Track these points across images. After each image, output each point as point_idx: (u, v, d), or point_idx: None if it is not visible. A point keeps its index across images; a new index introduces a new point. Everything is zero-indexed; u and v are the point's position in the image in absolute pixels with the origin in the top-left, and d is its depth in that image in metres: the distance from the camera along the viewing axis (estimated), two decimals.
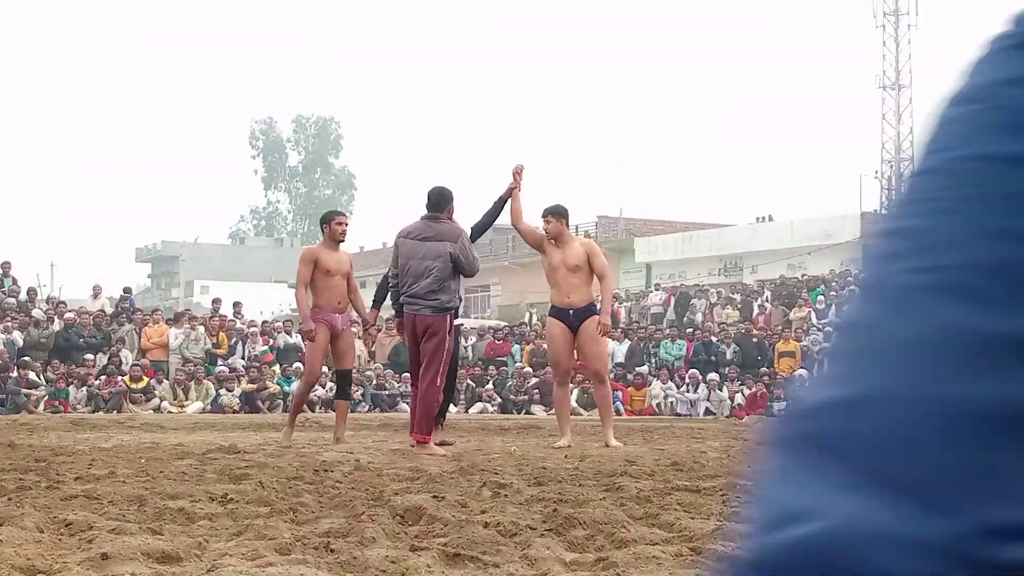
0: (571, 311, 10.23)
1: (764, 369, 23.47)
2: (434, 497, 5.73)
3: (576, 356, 10.56)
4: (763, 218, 45.91)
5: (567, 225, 10.56)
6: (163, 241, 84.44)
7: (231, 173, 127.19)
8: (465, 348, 25.69)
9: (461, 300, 9.61)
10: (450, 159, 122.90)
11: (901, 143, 59.97)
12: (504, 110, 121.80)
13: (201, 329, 22.81)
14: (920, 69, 66.94)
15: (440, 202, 9.47)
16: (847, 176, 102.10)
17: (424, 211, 9.59)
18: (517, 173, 10.43)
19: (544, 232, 10.37)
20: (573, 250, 10.29)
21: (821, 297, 27.77)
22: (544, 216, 10.42)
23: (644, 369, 23.65)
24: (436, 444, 9.57)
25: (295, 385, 21.73)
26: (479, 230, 10.60)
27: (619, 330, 26.12)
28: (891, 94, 59.95)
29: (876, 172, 55.10)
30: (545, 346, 24.96)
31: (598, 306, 10.46)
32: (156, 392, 21.05)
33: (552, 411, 16.61)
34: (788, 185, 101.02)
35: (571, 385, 22.91)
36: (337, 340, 10.50)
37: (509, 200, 10.49)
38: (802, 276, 34.14)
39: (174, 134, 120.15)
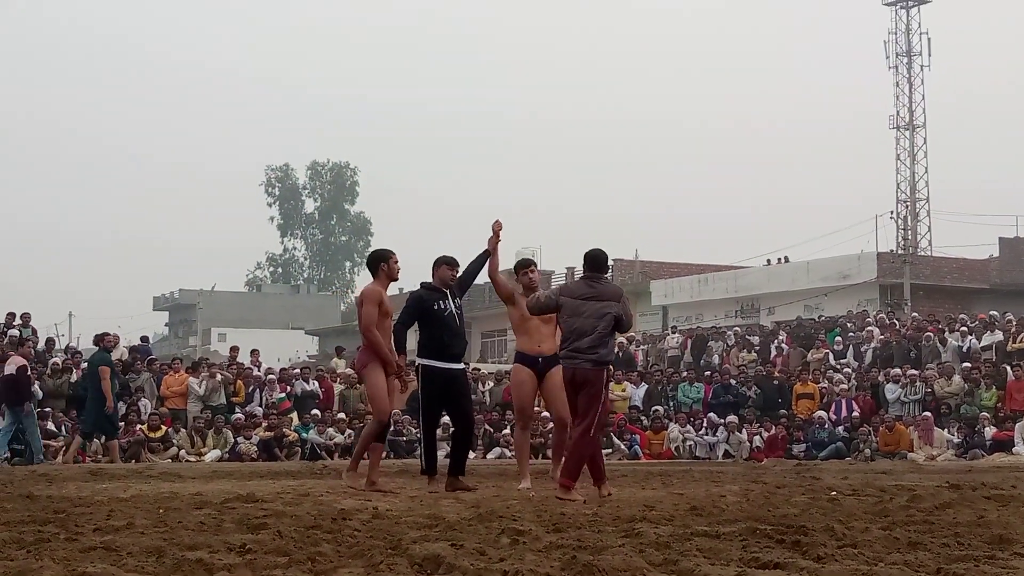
0: (540, 358, 10.85)
1: (783, 411, 23.35)
2: (452, 545, 5.72)
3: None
4: (779, 259, 45.85)
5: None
6: (180, 289, 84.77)
7: (247, 220, 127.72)
8: (482, 393, 25.66)
9: (616, 355, 10.25)
10: (466, 204, 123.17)
11: (916, 183, 59.95)
12: (519, 154, 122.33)
13: (219, 377, 22.82)
14: (933, 110, 66.94)
15: (600, 264, 9.77)
16: (863, 216, 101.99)
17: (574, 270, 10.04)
18: (497, 229, 10.94)
19: (527, 282, 11.02)
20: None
21: (839, 338, 27.67)
22: (527, 268, 11.15)
23: (662, 412, 23.56)
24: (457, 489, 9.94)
25: (312, 433, 21.74)
26: (464, 283, 10.94)
27: (636, 373, 26.08)
28: (905, 135, 59.96)
29: (892, 212, 54.97)
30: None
31: None
32: (174, 441, 21.05)
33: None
34: (803, 226, 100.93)
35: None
36: (391, 379, 10.47)
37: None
38: (819, 317, 34.04)
39: (190, 182, 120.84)
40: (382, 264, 10.40)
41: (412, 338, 10.64)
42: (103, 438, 19.49)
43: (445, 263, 10.90)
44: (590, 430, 9.52)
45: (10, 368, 19.03)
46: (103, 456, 19.35)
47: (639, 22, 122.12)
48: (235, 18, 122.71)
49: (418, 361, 10.68)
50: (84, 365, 22.47)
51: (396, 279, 10.52)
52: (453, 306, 10.74)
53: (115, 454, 19.08)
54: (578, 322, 9.48)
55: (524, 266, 11.13)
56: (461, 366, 10.93)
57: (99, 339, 20.02)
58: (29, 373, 19.55)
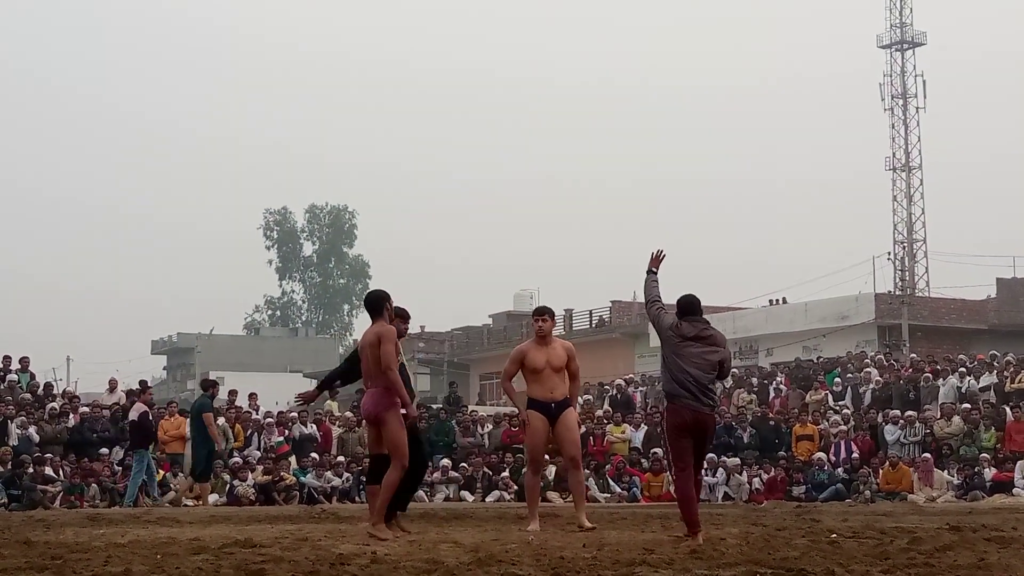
0: (553, 404, 11.03)
1: (782, 453, 23.30)
2: None
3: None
4: (777, 300, 45.85)
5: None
6: (178, 333, 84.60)
7: (246, 264, 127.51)
8: (481, 436, 25.62)
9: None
10: (463, 247, 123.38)
11: (913, 224, 60.14)
12: (517, 196, 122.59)
13: (220, 421, 22.76)
14: (930, 151, 67.10)
15: (696, 308, 9.83)
16: (860, 258, 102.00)
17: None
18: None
19: (541, 328, 11.09)
20: (557, 353, 11.06)
21: (837, 379, 27.64)
22: (543, 315, 11.19)
23: (661, 454, 23.49)
24: (394, 531, 10.09)
25: (310, 476, 21.67)
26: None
27: (635, 415, 26.05)
28: (902, 176, 60.23)
29: (889, 253, 55.12)
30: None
31: None
32: (172, 485, 20.97)
33: (568, 497, 16.48)
34: (801, 267, 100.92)
35: (586, 471, 22.83)
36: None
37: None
38: (817, 358, 34.00)
39: (188, 226, 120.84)
40: (387, 303, 10.33)
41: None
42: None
43: (398, 316, 11.15)
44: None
45: (133, 415, 20.14)
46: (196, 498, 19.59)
47: (640, 82, 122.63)
48: (233, 87, 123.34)
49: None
50: (82, 409, 22.49)
51: (392, 321, 10.49)
52: (402, 357, 10.95)
53: (206, 497, 19.43)
54: (693, 365, 9.49)
55: (543, 313, 11.23)
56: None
57: (208, 385, 20.12)
58: (151, 418, 20.60)
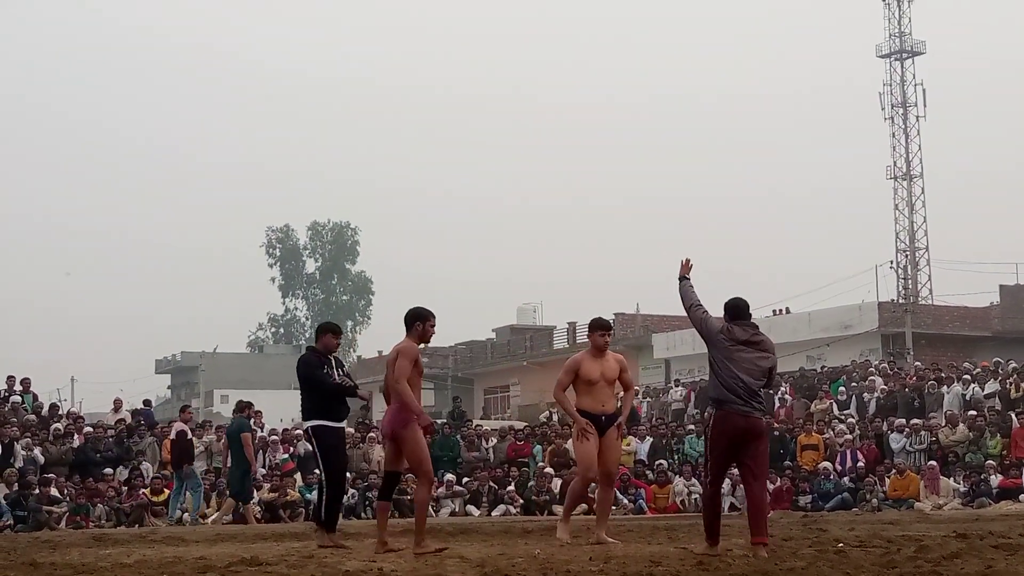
0: (603, 417, 10.96)
1: (787, 463, 23.27)
2: None
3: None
4: (780, 311, 45.84)
5: None
6: (182, 352, 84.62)
7: (248, 281, 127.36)
8: (486, 450, 25.61)
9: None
10: (466, 261, 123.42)
11: (915, 232, 60.14)
12: (519, 211, 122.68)
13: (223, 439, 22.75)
14: (931, 159, 67.08)
15: (744, 312, 9.64)
16: (863, 267, 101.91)
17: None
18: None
19: (603, 344, 11.02)
20: (610, 365, 11.03)
21: (842, 388, 27.62)
22: (601, 331, 11.08)
23: (666, 465, 23.47)
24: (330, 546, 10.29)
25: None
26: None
27: (640, 427, 26.03)
28: (903, 184, 60.23)
29: (892, 262, 55.10)
30: (566, 446, 24.91)
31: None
32: (177, 504, 20.95)
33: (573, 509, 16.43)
34: (805, 277, 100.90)
35: (595, 484, 22.81)
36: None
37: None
38: (822, 368, 33.97)
39: (191, 245, 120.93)
40: (417, 323, 10.21)
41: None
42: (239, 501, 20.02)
43: (330, 331, 11.49)
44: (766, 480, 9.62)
45: (172, 434, 20.53)
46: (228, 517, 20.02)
47: (638, 97, 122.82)
48: (233, 109, 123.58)
49: (307, 424, 11.13)
50: (87, 429, 22.50)
51: (428, 342, 10.48)
52: (337, 374, 11.22)
53: (250, 517, 19.72)
54: (744, 371, 9.26)
55: (601, 329, 11.13)
56: (343, 425, 11.43)
57: (244, 407, 20.22)
58: (189, 437, 20.84)
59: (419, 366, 10.13)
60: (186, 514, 20.03)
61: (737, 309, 9.57)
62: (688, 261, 10.05)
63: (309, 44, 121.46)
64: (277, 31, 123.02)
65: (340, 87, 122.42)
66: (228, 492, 20.27)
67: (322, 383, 11.10)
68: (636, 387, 34.06)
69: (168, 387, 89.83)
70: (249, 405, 20.43)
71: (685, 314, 9.96)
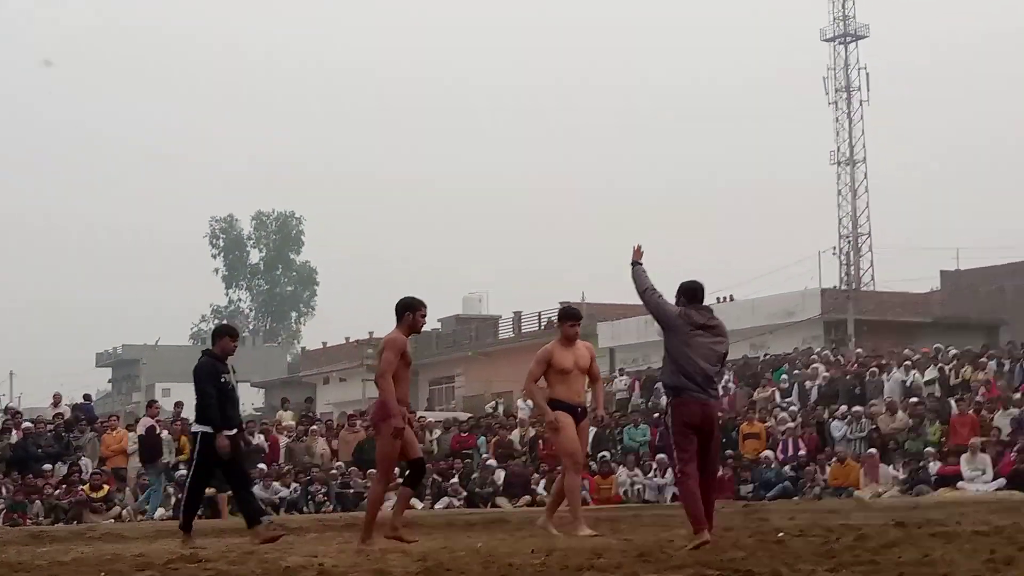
0: (579, 407, 10.95)
1: (729, 451, 23.35)
2: None
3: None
4: (724, 298, 46.10)
5: None
6: (123, 345, 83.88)
7: (192, 273, 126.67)
8: (431, 442, 25.53)
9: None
10: (411, 251, 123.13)
11: (858, 218, 60.69)
12: (464, 200, 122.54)
13: (164, 433, 22.55)
14: (874, 144, 67.63)
15: (699, 295, 9.30)
16: (806, 253, 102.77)
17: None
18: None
19: (573, 334, 10.89)
20: (582, 354, 10.95)
21: (785, 376, 27.78)
22: (572, 321, 10.93)
23: (609, 456, 23.48)
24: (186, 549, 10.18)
25: (258, 488, 21.43)
26: None
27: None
28: (846, 170, 60.74)
29: (835, 248, 55.54)
30: (511, 437, 24.91)
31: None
32: (117, 500, 20.76)
33: (519, 503, 16.43)
34: (748, 264, 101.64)
35: (535, 475, 22.83)
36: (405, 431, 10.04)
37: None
38: (765, 355, 34.17)
39: (131, 236, 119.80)
40: (407, 313, 10.02)
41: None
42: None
43: (227, 334, 11.44)
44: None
45: (140, 429, 20.87)
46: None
47: (581, 85, 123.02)
48: (179, 85, 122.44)
49: (197, 428, 11.14)
50: (25, 425, 22.19)
51: (419, 332, 10.34)
52: (232, 379, 11.28)
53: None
54: (700, 354, 9.01)
55: (571, 319, 10.97)
56: (236, 432, 11.35)
57: None
58: (158, 432, 21.20)
59: (407, 357, 9.97)
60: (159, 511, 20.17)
61: (693, 292, 9.27)
62: (639, 247, 9.89)
63: (254, 30, 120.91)
64: (220, 15, 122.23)
65: (284, 74, 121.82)
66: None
67: (203, 401, 11.13)
68: None
69: (109, 381, 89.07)
70: None
71: (634, 301, 9.80)
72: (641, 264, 9.71)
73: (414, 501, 22.66)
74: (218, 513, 19.34)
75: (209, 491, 20.13)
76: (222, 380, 11.13)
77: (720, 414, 24.36)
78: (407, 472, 10.41)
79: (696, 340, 8.99)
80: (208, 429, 11.01)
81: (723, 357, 9.21)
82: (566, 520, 10.92)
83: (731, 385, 28.38)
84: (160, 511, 20.31)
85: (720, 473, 22.23)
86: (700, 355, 8.97)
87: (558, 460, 23.55)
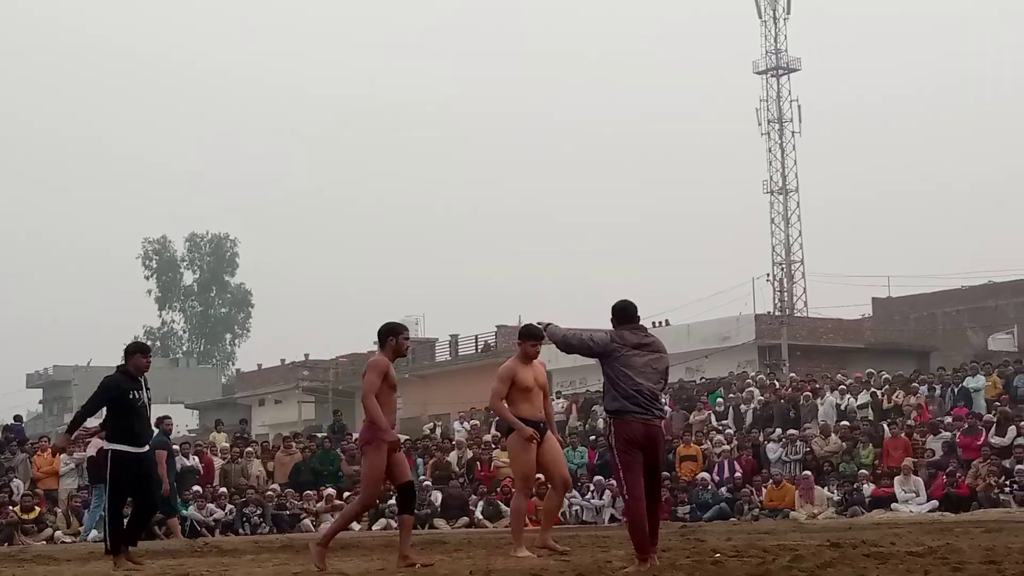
0: (541, 423, 10.93)
1: (666, 473, 23.45)
2: None
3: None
4: (660, 323, 46.36)
5: None
6: (54, 366, 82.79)
7: (124, 294, 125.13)
8: None
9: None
10: (347, 273, 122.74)
11: (791, 246, 61.36)
12: (400, 222, 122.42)
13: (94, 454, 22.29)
14: (806, 174, 68.46)
15: (633, 314, 9.18)
16: (741, 279, 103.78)
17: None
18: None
19: (534, 353, 10.90)
20: (540, 372, 11.01)
21: (720, 399, 27.98)
22: (533, 341, 10.84)
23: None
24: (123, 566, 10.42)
25: (192, 509, 21.26)
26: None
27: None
28: (779, 199, 61.44)
29: (768, 275, 56.09)
30: (448, 459, 24.86)
31: None
32: (48, 522, 20.46)
33: (456, 525, 16.34)
34: (683, 290, 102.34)
35: (473, 497, 22.81)
36: (394, 454, 9.93)
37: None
38: (700, 379, 34.40)
39: (63, 256, 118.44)
40: (390, 338, 10.06)
41: None
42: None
43: (139, 351, 11.45)
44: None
45: (91, 451, 19.92)
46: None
47: (516, 113, 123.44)
48: (109, 93, 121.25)
49: (107, 446, 11.13)
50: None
51: (403, 355, 10.35)
52: (145, 396, 11.24)
53: (177, 532, 19.63)
54: (641, 374, 8.89)
55: (532, 338, 10.86)
56: (146, 449, 11.36)
57: (158, 422, 19.77)
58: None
59: (390, 380, 9.95)
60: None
61: (625, 311, 9.18)
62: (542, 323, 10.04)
63: (188, 42, 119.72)
64: (155, 27, 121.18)
65: (222, 87, 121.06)
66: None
67: (82, 406, 11.32)
68: None
69: (40, 402, 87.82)
70: (167, 418, 20.45)
71: (565, 327, 9.69)
72: (550, 324, 9.73)
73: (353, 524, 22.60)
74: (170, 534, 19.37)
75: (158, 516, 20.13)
76: (131, 397, 11.08)
77: (667, 436, 24.70)
78: (398, 498, 10.33)
79: (635, 360, 8.90)
80: (118, 447, 10.97)
81: (664, 372, 9.12)
82: (522, 545, 10.79)
83: (667, 408, 28.53)
84: (94, 532, 20.01)
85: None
86: (641, 375, 8.87)
87: (496, 482, 23.61)
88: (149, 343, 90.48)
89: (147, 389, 11.33)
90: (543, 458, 10.93)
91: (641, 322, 9.27)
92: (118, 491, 11.16)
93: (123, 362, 11.44)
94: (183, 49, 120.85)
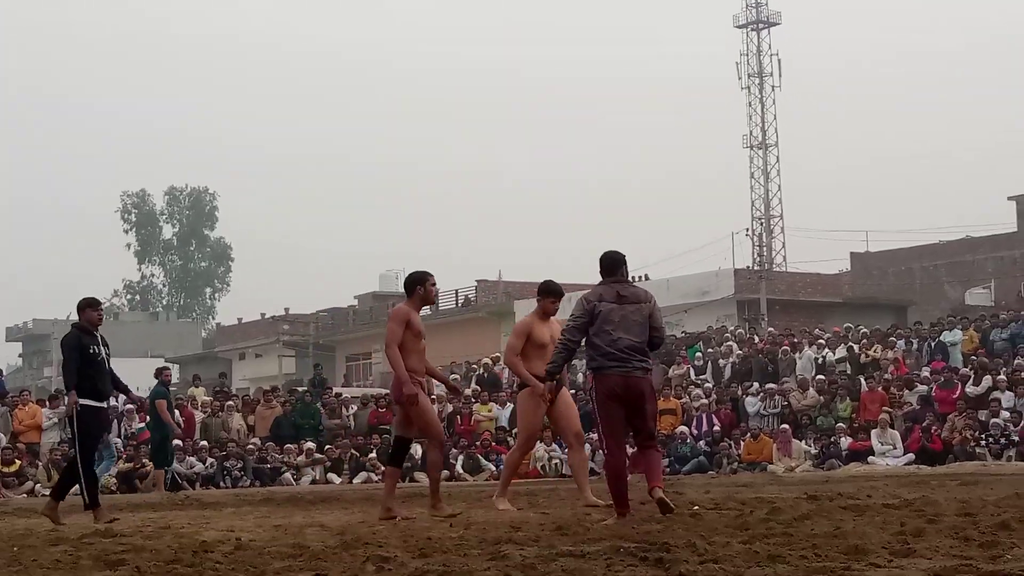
0: (556, 380, 10.62)
1: None
2: (316, 575, 5.66)
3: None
4: (639, 277, 46.43)
5: None
6: (34, 319, 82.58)
7: (103, 248, 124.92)
8: (348, 417, 25.52)
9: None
10: (328, 228, 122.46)
11: (770, 201, 61.41)
12: (381, 177, 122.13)
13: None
14: (786, 129, 68.54)
15: (619, 264, 9.08)
16: (720, 234, 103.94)
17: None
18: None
19: (554, 310, 10.81)
20: (556, 328, 10.69)
21: (699, 354, 28.09)
22: (553, 298, 10.81)
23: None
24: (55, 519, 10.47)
25: (173, 463, 21.27)
26: None
27: (502, 393, 26.15)
28: (758, 153, 61.43)
29: (747, 230, 56.25)
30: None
31: None
32: (29, 475, 20.48)
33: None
34: (663, 244, 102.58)
35: (454, 451, 22.89)
36: (412, 407, 9.95)
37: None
38: (680, 333, 34.51)
39: (43, 210, 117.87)
40: (417, 287, 10.08)
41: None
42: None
43: (89, 306, 11.45)
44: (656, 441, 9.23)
45: None
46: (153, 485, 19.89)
47: (501, 71, 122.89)
48: (86, 48, 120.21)
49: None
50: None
51: (431, 302, 10.37)
52: (103, 351, 11.30)
53: (160, 484, 19.57)
54: (621, 327, 8.78)
55: (551, 294, 10.83)
56: (106, 405, 11.58)
57: (158, 373, 20.21)
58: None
59: (414, 328, 9.92)
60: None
61: (613, 262, 9.06)
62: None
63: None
64: None
65: (201, 44, 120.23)
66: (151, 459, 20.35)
67: (65, 368, 11.21)
68: (498, 353, 34.28)
69: (19, 355, 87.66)
70: (166, 369, 20.61)
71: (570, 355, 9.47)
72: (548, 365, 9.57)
73: (331, 476, 22.69)
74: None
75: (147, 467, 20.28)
76: (91, 352, 11.13)
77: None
78: (392, 449, 10.45)
79: (613, 314, 8.82)
80: (84, 401, 11.03)
81: (648, 321, 8.89)
82: (506, 498, 10.88)
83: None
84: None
85: (636, 448, 22.49)
86: (619, 328, 8.79)
87: (476, 436, 23.65)
88: (129, 296, 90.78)
89: (105, 345, 11.39)
90: (554, 414, 10.81)
91: (627, 272, 9.18)
92: (88, 445, 11.23)
93: (76, 319, 11.53)
94: (161, 6, 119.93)
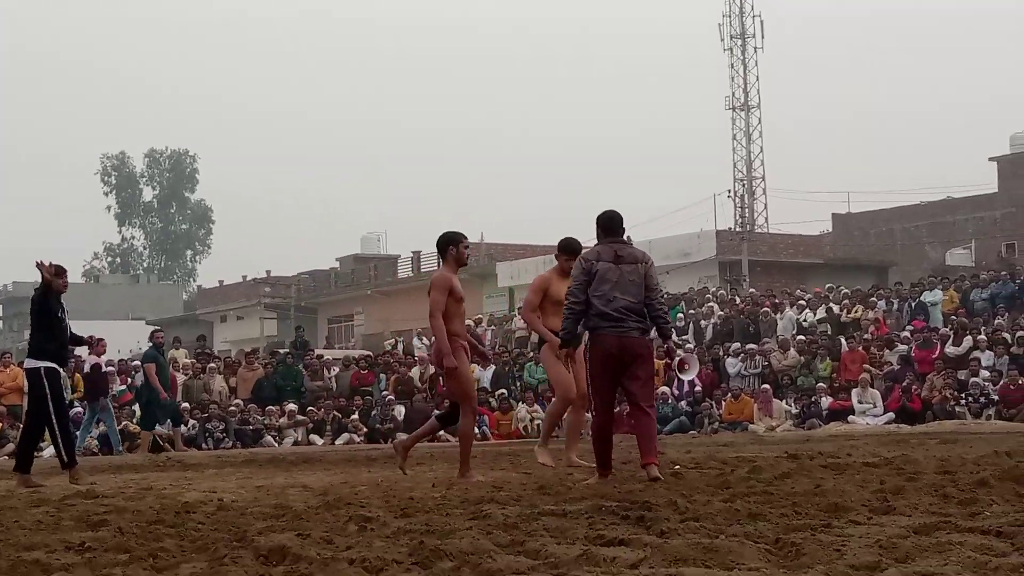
0: None
1: None
2: (298, 535, 5.66)
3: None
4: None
5: None
6: (14, 282, 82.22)
7: (83, 210, 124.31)
8: (330, 379, 25.53)
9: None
10: (309, 190, 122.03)
11: (752, 162, 61.39)
12: (362, 138, 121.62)
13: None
14: (768, 90, 68.47)
15: (617, 224, 9.05)
16: (702, 195, 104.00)
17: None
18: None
19: (566, 268, 10.56)
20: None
21: (681, 315, 28.14)
22: (569, 255, 10.64)
23: (507, 393, 23.61)
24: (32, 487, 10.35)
25: (158, 427, 21.26)
26: None
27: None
28: (741, 115, 61.33)
29: (729, 191, 56.17)
30: (411, 375, 24.93)
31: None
32: (11, 437, 20.43)
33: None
34: (644, 205, 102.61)
35: (437, 412, 22.92)
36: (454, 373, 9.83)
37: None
38: (663, 294, 34.58)
39: (21, 172, 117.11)
40: (450, 248, 9.87)
41: None
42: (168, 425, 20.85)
43: (57, 275, 11.55)
44: (653, 405, 9.13)
45: (86, 367, 20.86)
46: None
47: (488, 29, 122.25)
48: (64, 6, 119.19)
49: (37, 364, 11.20)
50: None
51: (465, 263, 10.08)
52: (66, 317, 11.54)
53: (179, 441, 20.52)
54: (616, 287, 8.72)
55: (569, 252, 10.72)
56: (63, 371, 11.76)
57: (151, 336, 20.85)
58: (104, 370, 21.08)
59: (456, 293, 9.77)
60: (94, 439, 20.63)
61: (611, 222, 9.02)
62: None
63: None
64: None
65: (182, 4, 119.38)
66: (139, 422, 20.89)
67: (47, 327, 11.33)
68: (480, 315, 34.30)
69: (0, 318, 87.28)
70: (158, 331, 21.06)
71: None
72: (557, 334, 9.56)
73: (314, 437, 22.72)
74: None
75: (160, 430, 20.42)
76: (59, 315, 11.35)
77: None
78: (447, 414, 10.37)
79: (609, 274, 8.76)
80: (49, 363, 11.19)
81: (643, 281, 8.82)
82: (548, 451, 11.18)
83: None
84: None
85: (619, 408, 22.56)
86: (616, 288, 8.73)
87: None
88: (110, 259, 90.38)
89: (65, 311, 11.57)
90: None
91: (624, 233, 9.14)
92: (60, 405, 11.31)
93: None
94: None
